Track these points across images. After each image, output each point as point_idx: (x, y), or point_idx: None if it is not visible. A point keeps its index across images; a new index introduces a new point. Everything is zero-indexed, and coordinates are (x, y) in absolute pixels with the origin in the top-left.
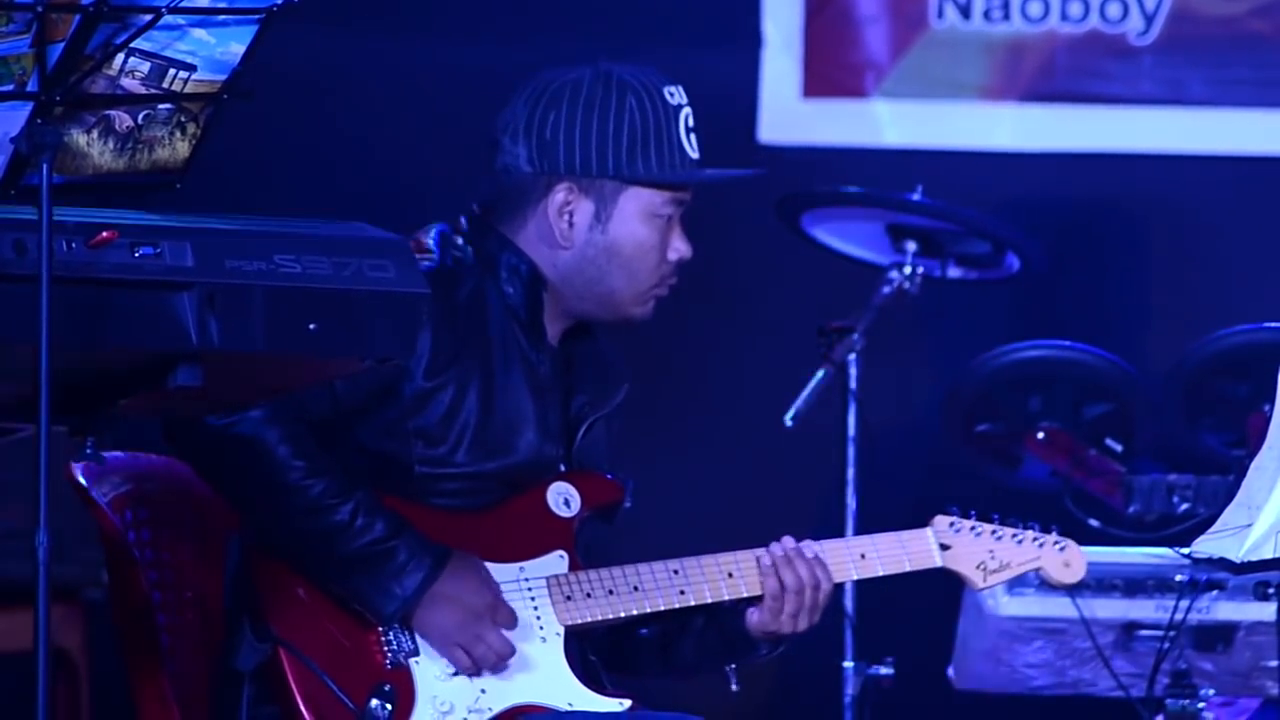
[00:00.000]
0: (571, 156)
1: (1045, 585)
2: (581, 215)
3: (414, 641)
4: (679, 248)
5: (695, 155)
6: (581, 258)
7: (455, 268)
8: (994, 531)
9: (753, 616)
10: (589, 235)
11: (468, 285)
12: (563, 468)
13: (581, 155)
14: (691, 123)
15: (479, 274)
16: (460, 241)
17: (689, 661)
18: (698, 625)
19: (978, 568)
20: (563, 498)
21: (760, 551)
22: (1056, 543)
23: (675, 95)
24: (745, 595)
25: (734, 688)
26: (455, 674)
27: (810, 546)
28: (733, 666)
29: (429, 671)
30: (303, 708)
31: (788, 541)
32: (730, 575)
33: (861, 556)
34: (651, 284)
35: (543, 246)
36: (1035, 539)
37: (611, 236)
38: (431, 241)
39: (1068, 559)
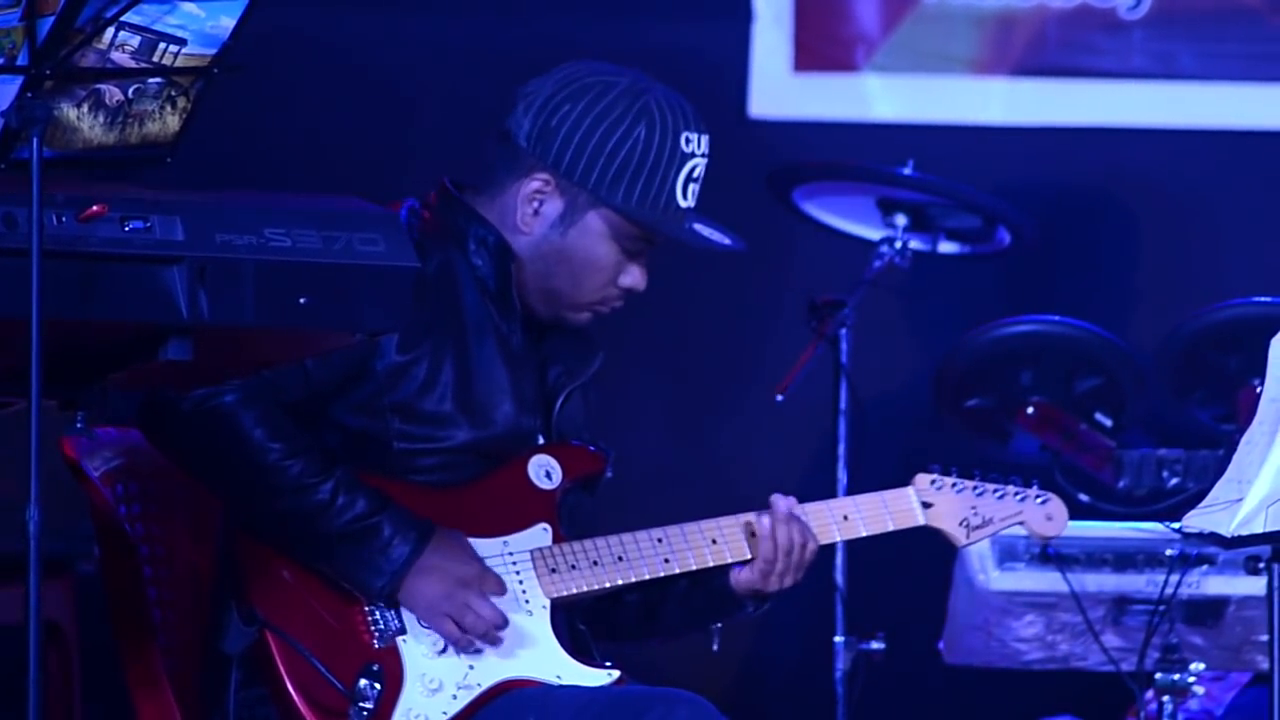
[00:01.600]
0: (563, 153)
1: (1036, 560)
2: (548, 210)
3: (401, 620)
4: (633, 274)
5: (686, 205)
6: (534, 249)
7: (423, 242)
8: (975, 488)
9: (740, 575)
10: (547, 232)
11: (436, 259)
12: (541, 439)
13: (572, 157)
14: (698, 174)
15: (447, 247)
16: (428, 216)
17: (674, 624)
18: (682, 588)
19: (960, 524)
20: (544, 470)
21: (752, 516)
22: (1038, 496)
23: (692, 143)
24: (730, 561)
25: (714, 648)
26: (443, 651)
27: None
28: (718, 626)
29: (417, 650)
30: (291, 690)
31: (779, 504)
32: (714, 542)
33: (844, 518)
34: (592, 299)
35: (504, 226)
36: (1017, 494)
37: (568, 242)
38: (400, 217)
39: (1049, 512)
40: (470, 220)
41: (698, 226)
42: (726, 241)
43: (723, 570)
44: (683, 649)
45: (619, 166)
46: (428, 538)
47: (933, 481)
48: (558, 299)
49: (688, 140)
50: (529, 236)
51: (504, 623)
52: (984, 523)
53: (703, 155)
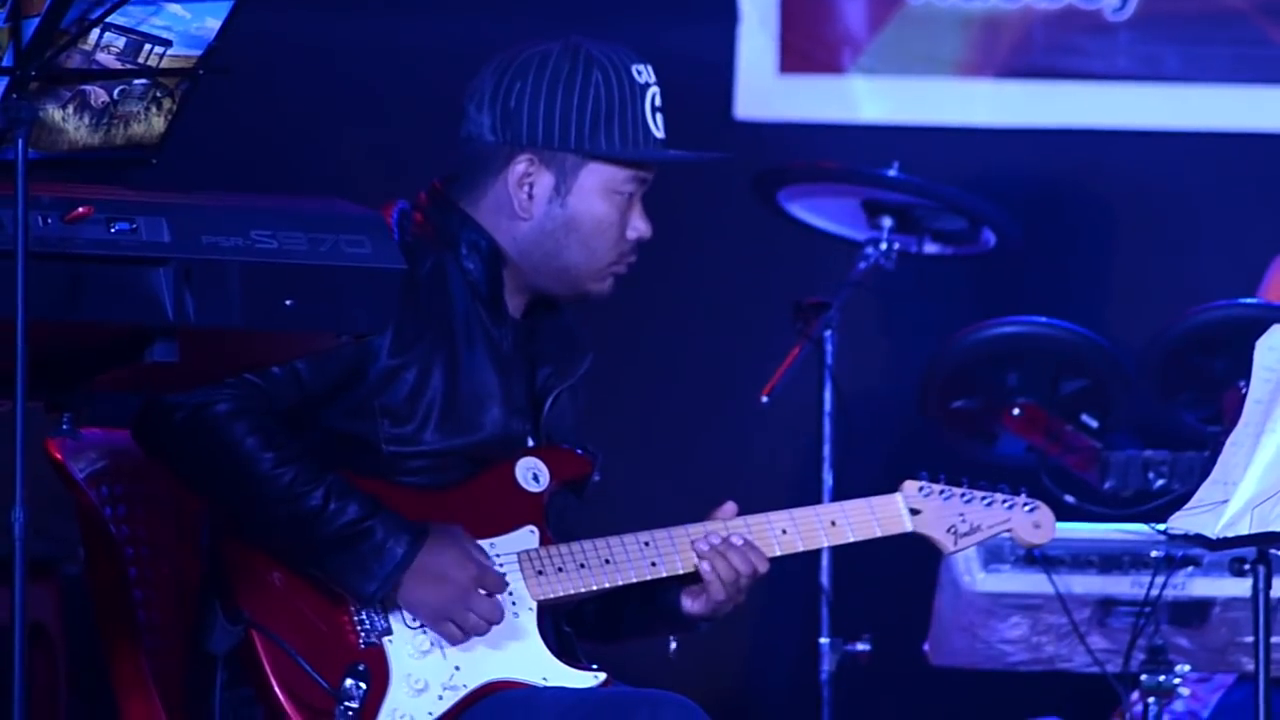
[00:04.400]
0: (534, 128)
1: (1022, 561)
2: (541, 187)
3: (386, 620)
4: (638, 226)
5: (660, 135)
6: (539, 230)
7: (415, 245)
8: (963, 495)
9: (687, 604)
10: (548, 208)
11: (428, 262)
12: (530, 441)
13: (544, 127)
14: (659, 102)
15: (439, 250)
16: (419, 219)
17: (631, 638)
18: (634, 609)
19: (948, 531)
20: (531, 473)
21: (691, 544)
22: (1026, 504)
23: (643, 73)
24: (699, 563)
25: (671, 652)
26: (429, 651)
27: (739, 534)
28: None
29: (402, 650)
30: (277, 690)
31: (713, 537)
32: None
33: (832, 524)
34: (609, 261)
35: (501, 218)
36: (1005, 501)
37: (570, 210)
38: (391, 220)
39: (1037, 520)
40: (463, 224)
41: (674, 152)
42: (707, 154)
43: (673, 593)
44: (664, 650)
45: (591, 117)
46: (421, 540)
47: (920, 488)
48: (576, 273)
49: (639, 72)
50: (530, 220)
51: (502, 618)
52: (971, 530)
53: (656, 83)
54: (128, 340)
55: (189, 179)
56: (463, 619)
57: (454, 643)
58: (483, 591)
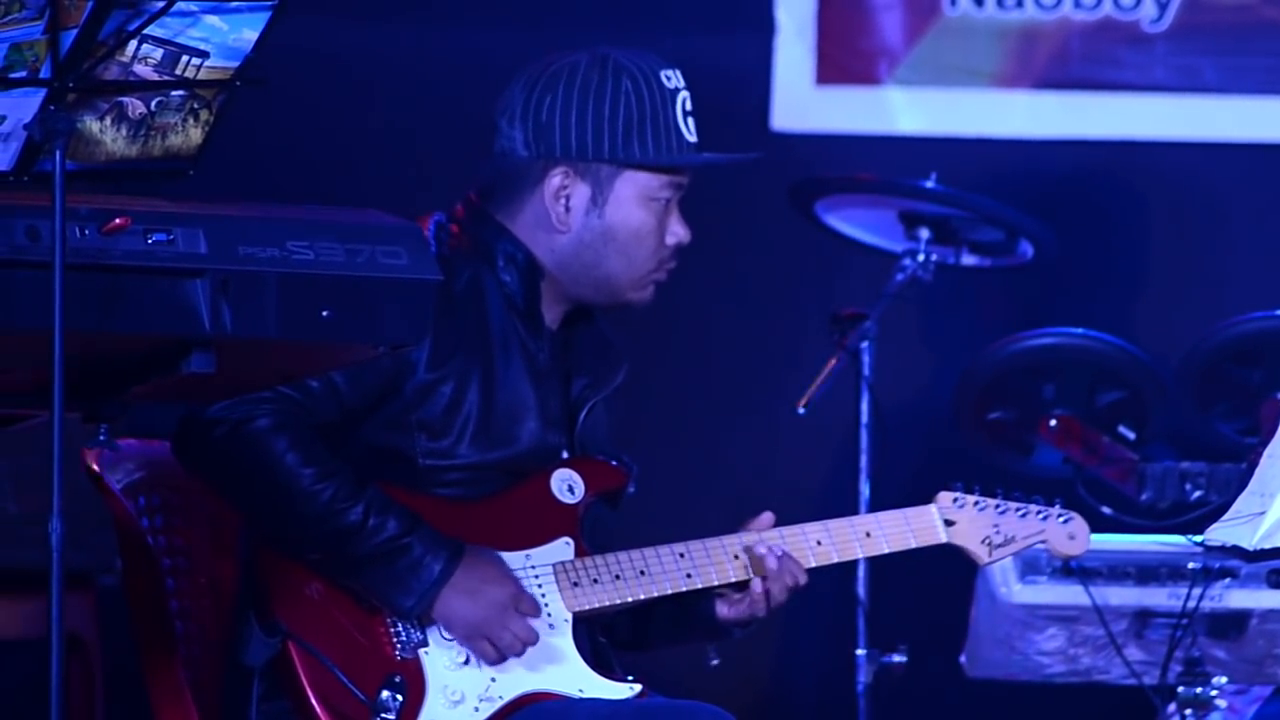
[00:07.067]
0: (567, 140)
1: (1058, 573)
2: (578, 199)
3: (423, 632)
4: (677, 231)
5: (693, 139)
6: (578, 242)
7: (452, 257)
8: (998, 506)
9: (723, 610)
10: (585, 219)
11: (465, 275)
12: (566, 454)
13: (577, 138)
14: (689, 106)
15: (476, 263)
16: (456, 231)
17: (664, 646)
18: (668, 616)
19: (983, 542)
20: (566, 484)
21: (741, 546)
22: (1061, 515)
23: (672, 79)
24: (753, 576)
25: (714, 662)
26: (465, 663)
27: (778, 545)
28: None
29: (439, 661)
30: (314, 701)
31: (758, 545)
32: (736, 557)
33: (867, 535)
34: (649, 268)
35: (539, 231)
36: (1039, 512)
37: (608, 220)
38: (428, 232)
39: (1072, 531)
40: (499, 236)
41: (709, 155)
42: (742, 155)
43: (708, 601)
44: (704, 662)
45: (624, 125)
46: (459, 557)
47: (955, 499)
48: (617, 282)
49: (668, 78)
50: (569, 233)
51: (536, 640)
52: (1006, 541)
53: (685, 87)
54: (165, 351)
55: (225, 190)
56: (498, 636)
57: (488, 661)
58: (519, 612)
